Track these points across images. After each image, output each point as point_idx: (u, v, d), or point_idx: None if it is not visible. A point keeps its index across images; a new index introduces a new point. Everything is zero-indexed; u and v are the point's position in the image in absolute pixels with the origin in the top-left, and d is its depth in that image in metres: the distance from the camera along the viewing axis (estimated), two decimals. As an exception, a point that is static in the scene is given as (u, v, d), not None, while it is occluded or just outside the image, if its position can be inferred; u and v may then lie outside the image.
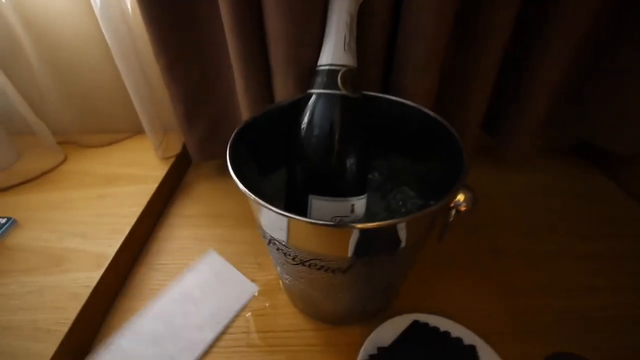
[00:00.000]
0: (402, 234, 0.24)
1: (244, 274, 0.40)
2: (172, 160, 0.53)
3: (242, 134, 0.30)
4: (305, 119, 0.31)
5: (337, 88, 0.30)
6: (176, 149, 0.54)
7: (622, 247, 0.43)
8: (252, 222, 0.30)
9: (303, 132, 0.31)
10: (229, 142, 0.29)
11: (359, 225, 0.22)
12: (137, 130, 0.59)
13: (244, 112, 0.44)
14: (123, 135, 0.59)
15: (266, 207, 0.22)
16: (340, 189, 0.31)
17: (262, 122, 0.33)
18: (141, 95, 0.48)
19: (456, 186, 0.24)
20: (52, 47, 0.50)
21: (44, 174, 0.52)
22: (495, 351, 0.31)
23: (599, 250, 0.43)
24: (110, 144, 0.58)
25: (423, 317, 0.33)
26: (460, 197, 0.25)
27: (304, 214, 0.30)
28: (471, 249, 0.43)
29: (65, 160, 0.54)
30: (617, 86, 0.46)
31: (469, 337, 0.32)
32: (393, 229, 0.23)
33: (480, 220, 0.46)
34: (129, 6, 0.44)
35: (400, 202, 0.36)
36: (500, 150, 0.55)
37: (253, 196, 0.23)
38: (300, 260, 0.25)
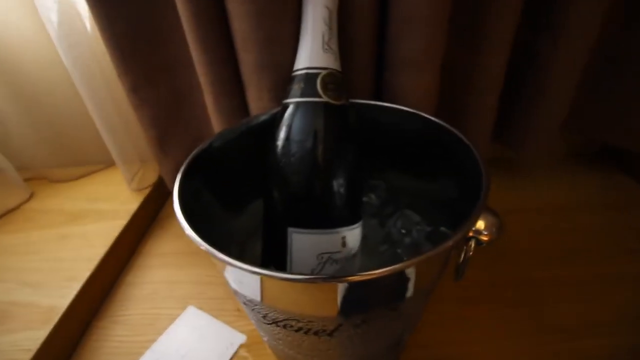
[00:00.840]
0: (409, 279, 0.17)
1: (227, 322, 0.34)
2: (146, 192, 0.47)
3: (198, 162, 0.25)
4: (281, 135, 0.26)
5: (316, 95, 0.25)
6: (150, 179, 0.49)
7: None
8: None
9: (279, 149, 0.26)
10: (179, 175, 0.23)
11: (349, 278, 0.15)
12: (111, 162, 0.54)
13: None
14: (96, 168, 0.54)
15: (212, 254, 0.16)
16: (326, 218, 0.26)
17: (224, 145, 0.28)
18: (109, 123, 0.44)
19: (477, 209, 0.18)
20: (11, 77, 0.45)
21: (5, 214, 0.46)
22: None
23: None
24: (81, 177, 0.53)
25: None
26: (481, 224, 0.19)
27: (284, 255, 0.24)
28: (495, 280, 0.36)
29: (31, 197, 0.49)
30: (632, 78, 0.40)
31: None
32: (397, 275, 0.16)
33: (501, 244, 0.40)
34: (87, 24, 0.39)
35: (404, 230, 0.30)
36: (515, 160, 0.49)
37: (200, 241, 0.17)
38: (273, 319, 0.19)
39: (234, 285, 0.20)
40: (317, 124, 0.25)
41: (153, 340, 0.33)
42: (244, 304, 0.20)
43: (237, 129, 0.29)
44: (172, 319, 0.35)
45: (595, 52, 0.37)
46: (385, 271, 0.15)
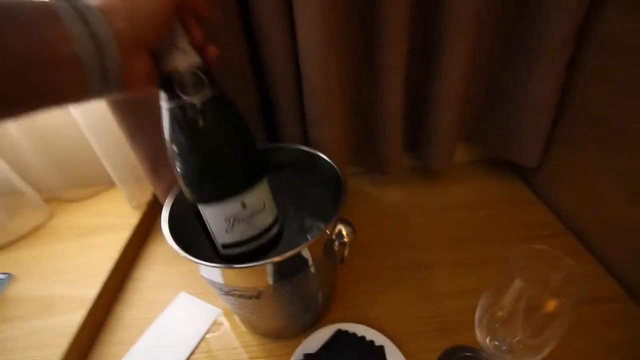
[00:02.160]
0: (290, 265, 0.31)
1: (208, 302, 0.48)
2: (143, 208, 0.61)
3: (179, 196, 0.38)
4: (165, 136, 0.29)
5: (177, 97, 0.27)
6: (146, 197, 0.62)
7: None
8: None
9: (168, 151, 0.30)
10: (166, 204, 0.36)
11: (237, 266, 0.30)
12: (112, 183, 0.67)
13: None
14: (101, 188, 0.67)
15: (186, 258, 0.30)
16: (220, 191, 0.31)
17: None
18: (109, 154, 0.57)
19: (330, 223, 0.32)
20: (30, 123, 0.58)
21: (33, 231, 0.60)
22: (400, 349, 0.38)
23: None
24: (90, 197, 0.66)
25: (345, 326, 0.41)
26: (341, 228, 0.33)
27: (205, 227, 0.33)
28: (396, 264, 0.50)
29: (52, 216, 0.62)
30: (516, 104, 0.54)
31: (380, 339, 0.39)
32: (278, 263, 0.30)
33: (409, 237, 0.54)
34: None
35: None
36: (424, 166, 0.63)
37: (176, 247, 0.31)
38: (224, 291, 0.33)
39: (205, 275, 0.34)
40: (182, 124, 0.28)
41: (155, 317, 0.47)
42: (212, 285, 0.34)
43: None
44: (168, 301, 0.49)
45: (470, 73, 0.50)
46: (255, 264, 0.29)
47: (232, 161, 0.31)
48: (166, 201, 0.37)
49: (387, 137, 0.53)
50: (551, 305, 0.22)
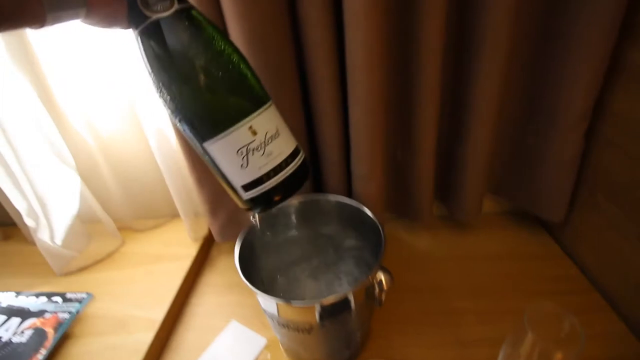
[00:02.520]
0: (338, 305, 0.38)
1: (255, 330, 0.54)
2: (200, 240, 0.70)
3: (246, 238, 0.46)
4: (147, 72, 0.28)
5: (144, 17, 0.26)
6: (204, 230, 0.71)
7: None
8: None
9: (152, 82, 0.28)
10: (237, 245, 0.44)
11: (294, 302, 0.36)
12: (174, 214, 0.77)
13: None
14: (163, 220, 0.77)
15: (255, 291, 0.38)
16: (222, 119, 0.28)
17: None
18: (180, 194, 0.67)
19: (372, 271, 0.38)
20: (115, 162, 0.70)
21: (109, 255, 0.70)
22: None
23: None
24: (154, 227, 0.76)
25: (380, 362, 0.46)
26: (380, 276, 0.39)
27: (219, 170, 0.31)
28: (426, 309, 0.55)
29: (123, 243, 0.73)
30: (539, 163, 0.59)
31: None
32: (335, 301, 0.37)
33: (438, 283, 0.59)
34: (174, 144, 0.63)
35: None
36: (453, 217, 0.68)
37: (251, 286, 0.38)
38: (281, 323, 0.40)
39: (263, 306, 0.41)
40: (156, 46, 0.26)
41: (210, 341, 0.54)
42: (269, 316, 0.41)
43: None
44: (221, 327, 0.56)
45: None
46: (327, 299, 0.36)
47: (225, 80, 0.29)
48: (237, 243, 0.45)
49: (419, 189, 0.59)
50: (558, 357, 0.27)
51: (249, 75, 0.31)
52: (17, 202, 0.61)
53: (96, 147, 0.66)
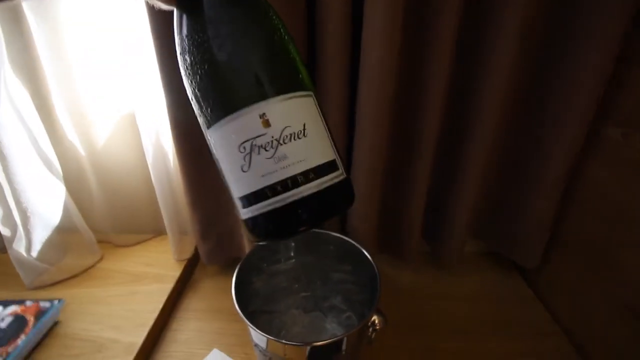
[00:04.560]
0: (328, 348, 0.38)
1: (238, 361, 0.54)
2: (184, 262, 0.68)
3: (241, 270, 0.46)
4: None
5: None
6: (189, 251, 0.70)
7: (521, 347, 0.57)
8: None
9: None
10: (234, 279, 0.44)
11: (285, 342, 0.36)
12: (158, 232, 0.75)
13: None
14: (147, 237, 0.75)
15: (249, 326, 0.38)
16: (231, 96, 0.22)
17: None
18: (169, 212, 0.66)
19: (366, 316, 0.40)
20: (105, 175, 0.68)
21: (85, 270, 0.67)
22: None
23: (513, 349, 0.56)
24: (137, 243, 0.74)
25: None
26: (375, 319, 0.41)
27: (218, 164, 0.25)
28: (407, 345, 0.56)
29: (102, 258, 0.70)
30: (518, 210, 0.63)
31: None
32: (330, 343, 0.38)
33: (418, 320, 0.61)
34: (171, 163, 0.63)
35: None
36: (436, 256, 0.71)
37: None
38: (267, 356, 0.40)
39: (255, 339, 0.41)
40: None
41: (191, 369, 0.52)
42: (256, 348, 0.41)
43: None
44: (202, 356, 0.54)
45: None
46: (311, 344, 0.36)
47: (261, 45, 0.22)
48: (235, 274, 0.45)
49: (409, 230, 0.62)
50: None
51: (291, 51, 0.24)
52: (-5, 208, 0.58)
53: (87, 157, 0.65)
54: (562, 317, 0.62)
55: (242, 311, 0.40)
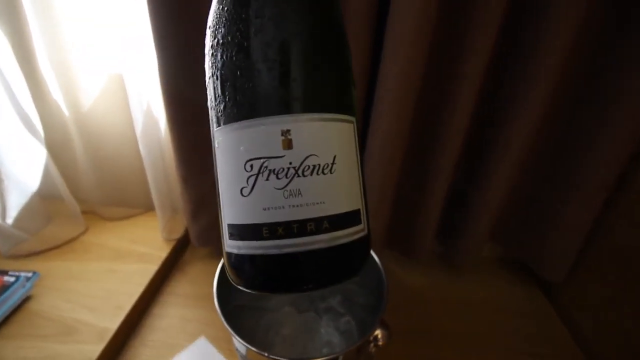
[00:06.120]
0: None
1: (225, 357, 0.48)
2: (173, 242, 0.63)
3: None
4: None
5: None
6: (179, 231, 0.64)
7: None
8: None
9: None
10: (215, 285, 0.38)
11: (273, 357, 0.30)
12: (148, 207, 0.70)
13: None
14: (137, 211, 0.70)
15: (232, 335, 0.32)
16: (263, 99, 0.18)
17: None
18: (159, 187, 0.60)
19: (369, 332, 0.33)
20: (93, 142, 0.62)
21: (67, 242, 0.62)
22: None
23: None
24: (124, 218, 0.68)
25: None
26: (379, 333, 0.35)
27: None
28: (414, 353, 0.51)
29: (86, 231, 0.65)
30: (551, 218, 0.56)
31: None
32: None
33: (427, 326, 0.55)
34: (162, 133, 0.56)
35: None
36: (449, 258, 0.64)
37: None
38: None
39: (235, 344, 0.35)
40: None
41: (169, 362, 0.47)
42: (237, 350, 0.36)
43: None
44: (182, 347, 0.49)
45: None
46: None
47: (295, 33, 0.18)
48: (215, 278, 0.38)
49: (423, 229, 0.55)
50: None
51: (347, 62, 0.20)
52: (-34, 169, 0.52)
53: (72, 119, 0.58)
54: (584, 334, 0.55)
55: (227, 304, 0.34)
